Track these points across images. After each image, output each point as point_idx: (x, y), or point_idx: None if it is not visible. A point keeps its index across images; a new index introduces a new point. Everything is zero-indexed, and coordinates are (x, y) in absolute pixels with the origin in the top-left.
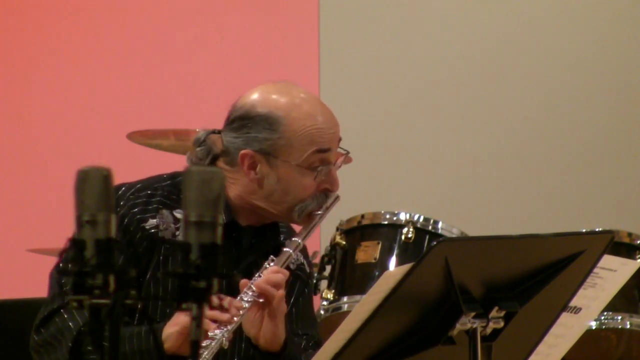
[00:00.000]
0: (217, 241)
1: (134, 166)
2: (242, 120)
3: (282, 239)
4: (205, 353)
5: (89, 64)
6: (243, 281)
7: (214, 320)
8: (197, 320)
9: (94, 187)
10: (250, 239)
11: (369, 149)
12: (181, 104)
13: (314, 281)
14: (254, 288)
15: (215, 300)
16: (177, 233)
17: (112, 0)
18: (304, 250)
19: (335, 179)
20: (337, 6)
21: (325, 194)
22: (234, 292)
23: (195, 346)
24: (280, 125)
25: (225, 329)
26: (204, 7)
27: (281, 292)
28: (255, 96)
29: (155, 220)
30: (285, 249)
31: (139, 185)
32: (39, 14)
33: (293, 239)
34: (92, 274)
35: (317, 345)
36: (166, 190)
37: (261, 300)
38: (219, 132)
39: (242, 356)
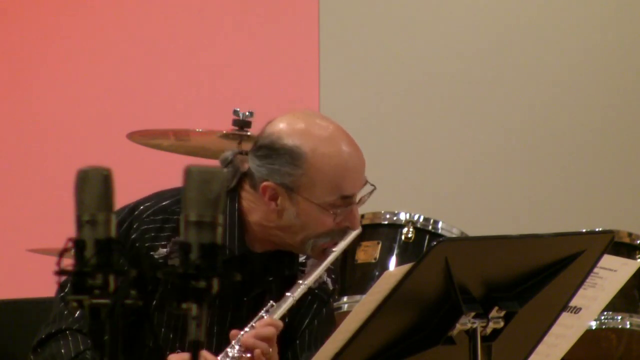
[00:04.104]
0: (217, 241)
1: (134, 166)
2: (267, 150)
3: (303, 259)
4: None
5: (89, 64)
6: (233, 332)
7: None
8: (197, 320)
9: (94, 187)
10: (266, 264)
11: (369, 149)
12: (181, 104)
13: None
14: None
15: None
16: None
17: (113, 0)
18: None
19: (356, 217)
20: (337, 6)
21: (344, 230)
22: (241, 321)
23: (196, 346)
24: (304, 162)
25: None
26: (203, 7)
27: (268, 347)
28: (282, 125)
29: (165, 249)
30: (287, 294)
31: (155, 207)
32: (39, 14)
33: (299, 281)
34: (92, 274)
35: None
36: None
37: (248, 355)
38: (246, 153)
39: None
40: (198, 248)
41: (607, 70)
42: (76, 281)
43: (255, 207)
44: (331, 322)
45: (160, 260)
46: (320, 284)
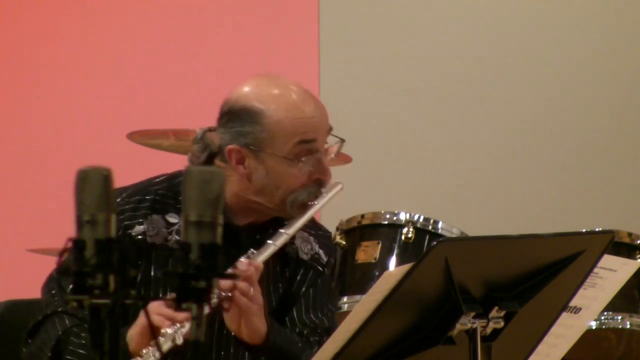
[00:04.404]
0: (217, 241)
1: (134, 166)
2: (228, 115)
3: (308, 235)
4: (151, 351)
5: (89, 64)
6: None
7: (170, 319)
8: (197, 320)
9: (94, 187)
10: (252, 237)
11: (369, 148)
12: (181, 104)
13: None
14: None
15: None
16: (170, 237)
17: (113, 0)
18: (322, 237)
19: (325, 167)
20: (337, 6)
21: (319, 183)
22: None
23: (196, 346)
24: (262, 117)
25: (177, 327)
26: (203, 7)
27: (249, 286)
28: (240, 90)
29: (142, 226)
30: (269, 242)
31: (130, 191)
32: (39, 14)
33: (280, 230)
34: (92, 274)
35: (327, 333)
36: (159, 194)
37: (229, 294)
38: (216, 129)
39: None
40: (198, 248)
41: (607, 70)
42: (76, 281)
43: (228, 179)
44: (328, 291)
45: (139, 237)
46: (312, 255)
